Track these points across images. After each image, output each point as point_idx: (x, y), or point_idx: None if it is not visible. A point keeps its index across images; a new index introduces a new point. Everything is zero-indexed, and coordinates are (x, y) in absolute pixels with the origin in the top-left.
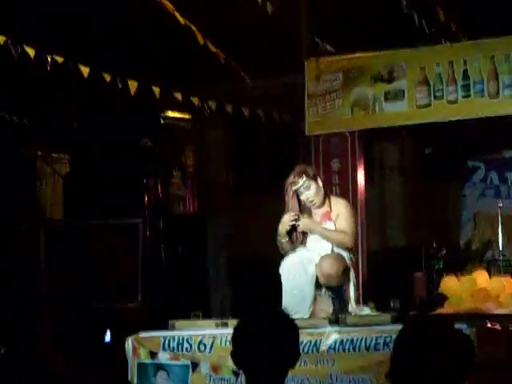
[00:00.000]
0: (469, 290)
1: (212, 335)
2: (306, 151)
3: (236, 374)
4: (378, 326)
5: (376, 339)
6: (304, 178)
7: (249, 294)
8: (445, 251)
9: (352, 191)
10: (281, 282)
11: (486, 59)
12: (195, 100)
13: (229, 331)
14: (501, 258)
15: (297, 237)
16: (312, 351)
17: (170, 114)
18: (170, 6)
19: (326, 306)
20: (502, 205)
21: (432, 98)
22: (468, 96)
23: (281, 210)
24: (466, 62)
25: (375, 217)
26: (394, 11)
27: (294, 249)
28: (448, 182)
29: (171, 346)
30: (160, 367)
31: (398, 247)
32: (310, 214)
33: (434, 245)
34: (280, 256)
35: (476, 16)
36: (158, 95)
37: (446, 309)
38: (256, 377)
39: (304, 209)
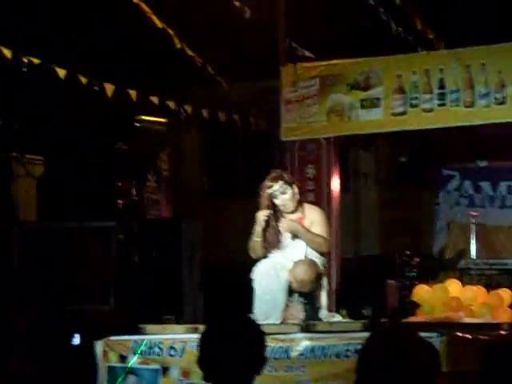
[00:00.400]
0: (441, 298)
1: (183, 340)
2: (282, 157)
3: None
4: (348, 333)
5: (347, 346)
6: (280, 183)
7: (221, 299)
8: (418, 259)
9: (327, 198)
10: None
11: (462, 68)
12: (171, 104)
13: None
14: (474, 267)
15: (271, 238)
16: (282, 357)
17: (146, 117)
18: (146, 10)
19: (298, 312)
20: (475, 214)
21: (408, 106)
22: (444, 105)
23: (255, 214)
24: (443, 70)
25: (349, 224)
26: (371, 19)
27: (265, 253)
28: (422, 191)
29: (142, 350)
30: (130, 371)
31: (371, 255)
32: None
33: (408, 253)
34: (253, 260)
35: (453, 25)
36: (134, 98)
37: (418, 317)
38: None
39: (277, 213)
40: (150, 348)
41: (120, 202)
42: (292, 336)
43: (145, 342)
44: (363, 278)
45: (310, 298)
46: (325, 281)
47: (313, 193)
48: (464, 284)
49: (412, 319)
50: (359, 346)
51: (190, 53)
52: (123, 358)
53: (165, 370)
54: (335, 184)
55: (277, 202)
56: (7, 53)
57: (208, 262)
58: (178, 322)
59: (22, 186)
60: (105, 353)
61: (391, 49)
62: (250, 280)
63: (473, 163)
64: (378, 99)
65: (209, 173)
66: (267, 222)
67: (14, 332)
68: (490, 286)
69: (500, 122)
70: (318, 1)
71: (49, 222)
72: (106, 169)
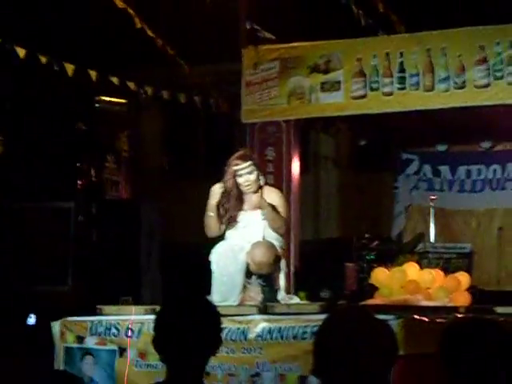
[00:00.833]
0: (399, 281)
1: (140, 321)
2: (242, 139)
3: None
4: (306, 315)
5: (304, 328)
6: (249, 162)
7: (179, 281)
8: (376, 242)
9: (286, 180)
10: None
11: (422, 52)
12: (131, 85)
13: None
14: (432, 250)
15: (228, 215)
16: (240, 339)
17: (106, 98)
18: None
19: (256, 294)
20: (434, 198)
21: (368, 90)
22: (403, 88)
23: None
24: (403, 54)
25: (309, 207)
26: (333, 1)
27: (220, 231)
28: (382, 174)
29: (99, 330)
30: (87, 352)
31: (330, 237)
32: (240, 199)
33: (366, 236)
34: (212, 242)
35: (415, 9)
36: (94, 79)
37: (376, 300)
38: (176, 364)
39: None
40: (107, 329)
41: (79, 182)
42: (250, 318)
43: (102, 322)
44: (322, 260)
45: (268, 280)
46: (283, 263)
47: (272, 175)
48: (422, 267)
49: (370, 302)
50: (316, 328)
51: (150, 34)
52: (80, 339)
53: (121, 350)
54: (295, 167)
55: (240, 180)
56: None
57: (167, 244)
58: (135, 304)
59: None
60: (62, 333)
61: (352, 32)
62: (209, 262)
63: (432, 147)
64: (339, 82)
65: (168, 154)
66: (222, 197)
67: None
68: (447, 269)
69: (459, 106)
70: None
71: (7, 201)
72: (66, 149)
